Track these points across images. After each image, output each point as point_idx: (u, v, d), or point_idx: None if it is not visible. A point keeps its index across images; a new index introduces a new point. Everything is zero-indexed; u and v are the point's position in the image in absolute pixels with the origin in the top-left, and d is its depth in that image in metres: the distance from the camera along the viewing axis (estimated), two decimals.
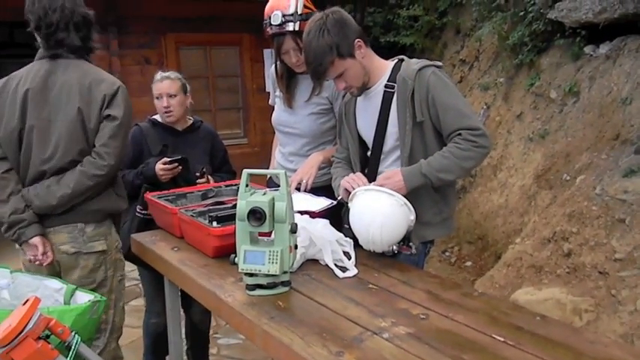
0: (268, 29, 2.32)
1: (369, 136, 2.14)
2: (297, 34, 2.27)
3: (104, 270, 2.20)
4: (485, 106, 5.50)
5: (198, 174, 2.62)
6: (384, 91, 2.05)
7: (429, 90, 1.95)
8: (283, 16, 2.27)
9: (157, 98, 2.72)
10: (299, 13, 2.27)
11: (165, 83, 2.69)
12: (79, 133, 2.06)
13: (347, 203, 2.02)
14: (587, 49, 4.63)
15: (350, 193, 1.99)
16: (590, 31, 4.56)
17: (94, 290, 2.07)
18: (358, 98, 2.17)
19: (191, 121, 2.82)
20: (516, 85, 5.27)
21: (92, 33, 2.19)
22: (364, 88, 2.08)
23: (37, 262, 2.14)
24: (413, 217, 1.92)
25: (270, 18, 2.29)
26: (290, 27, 2.28)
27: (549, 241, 3.70)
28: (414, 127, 1.99)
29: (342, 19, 1.97)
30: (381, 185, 1.93)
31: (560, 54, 4.87)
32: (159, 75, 2.75)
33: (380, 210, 1.87)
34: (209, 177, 2.69)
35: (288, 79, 2.47)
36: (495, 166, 5.12)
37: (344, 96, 2.26)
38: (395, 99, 2.02)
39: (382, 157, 2.10)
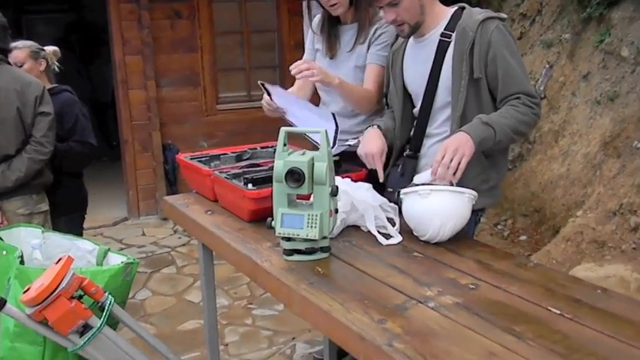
0: None
1: (417, 91, 2.12)
2: None
3: (49, 225, 2.84)
4: (547, 65, 5.36)
5: None
6: (440, 41, 2.02)
7: (492, 45, 1.92)
8: None
9: None
10: None
11: (13, 53, 2.99)
12: (19, 127, 2.70)
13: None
14: None
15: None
16: None
17: None
18: (408, 47, 2.14)
19: (49, 87, 3.02)
20: (583, 42, 5.10)
21: (7, 37, 2.79)
22: (415, 29, 2.04)
23: None
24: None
25: None
26: None
27: (615, 214, 3.63)
28: (470, 84, 1.96)
29: None
30: (451, 159, 1.80)
31: (633, 7, 4.68)
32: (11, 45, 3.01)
33: (454, 212, 1.78)
34: None
35: (329, 27, 2.45)
36: (557, 131, 5.00)
37: (392, 45, 2.23)
38: (451, 50, 1.99)
39: (431, 114, 2.08)
